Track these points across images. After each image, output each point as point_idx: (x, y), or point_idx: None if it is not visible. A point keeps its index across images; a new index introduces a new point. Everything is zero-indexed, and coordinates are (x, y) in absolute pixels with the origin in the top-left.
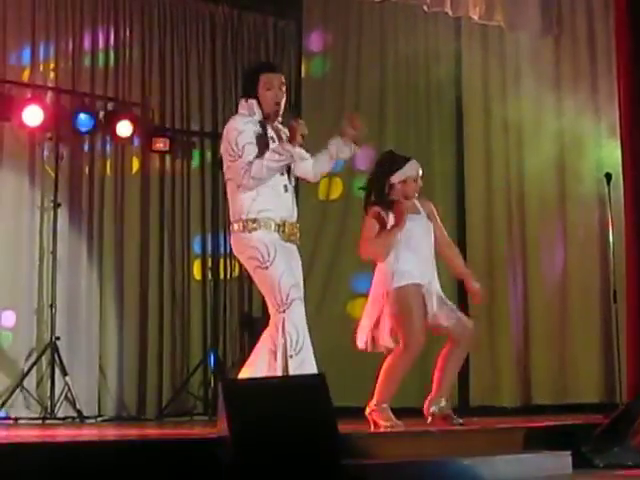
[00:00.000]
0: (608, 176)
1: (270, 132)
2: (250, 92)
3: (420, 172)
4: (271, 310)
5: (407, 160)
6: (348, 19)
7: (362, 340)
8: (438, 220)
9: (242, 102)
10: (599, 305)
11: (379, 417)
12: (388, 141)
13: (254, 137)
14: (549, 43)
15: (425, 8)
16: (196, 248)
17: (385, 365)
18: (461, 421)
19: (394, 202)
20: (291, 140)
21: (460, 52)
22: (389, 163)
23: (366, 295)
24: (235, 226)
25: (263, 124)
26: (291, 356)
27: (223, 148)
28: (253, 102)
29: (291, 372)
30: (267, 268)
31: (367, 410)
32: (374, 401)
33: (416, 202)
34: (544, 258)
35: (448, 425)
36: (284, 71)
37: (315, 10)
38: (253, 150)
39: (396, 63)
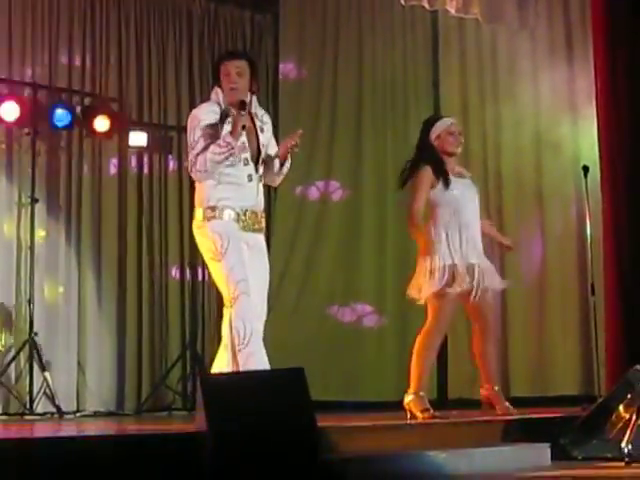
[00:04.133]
0: (585, 169)
1: (246, 120)
2: (215, 82)
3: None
4: (225, 303)
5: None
6: (325, 12)
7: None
8: None
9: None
10: (577, 298)
11: (415, 406)
12: (365, 137)
13: (213, 126)
14: (525, 36)
15: (402, 2)
16: (174, 243)
17: (415, 348)
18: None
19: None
20: (232, 132)
21: (437, 45)
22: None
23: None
24: (196, 213)
25: (226, 111)
26: (239, 350)
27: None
28: (218, 89)
29: (240, 366)
30: (219, 260)
31: (405, 399)
32: (410, 389)
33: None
34: (522, 251)
35: (498, 410)
36: (261, 65)
37: (292, 3)
38: (204, 142)
39: (374, 57)
